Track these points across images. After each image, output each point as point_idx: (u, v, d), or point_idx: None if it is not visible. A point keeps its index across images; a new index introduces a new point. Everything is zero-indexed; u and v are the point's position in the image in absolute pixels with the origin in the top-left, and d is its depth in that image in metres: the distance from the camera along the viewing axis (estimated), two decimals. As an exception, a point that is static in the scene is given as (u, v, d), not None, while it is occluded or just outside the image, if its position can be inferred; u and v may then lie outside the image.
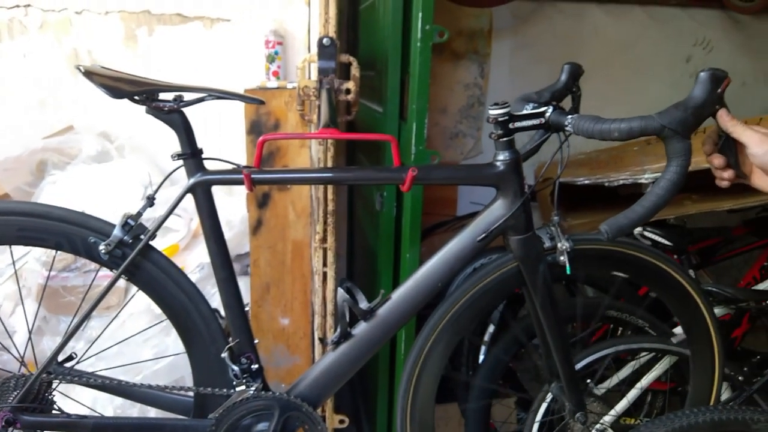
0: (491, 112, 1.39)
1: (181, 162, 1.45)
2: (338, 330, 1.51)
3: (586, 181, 2.59)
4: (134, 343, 2.07)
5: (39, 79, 2.97)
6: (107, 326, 1.82)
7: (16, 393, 1.48)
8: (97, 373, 1.63)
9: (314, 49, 2.46)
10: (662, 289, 1.69)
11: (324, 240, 1.98)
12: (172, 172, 1.49)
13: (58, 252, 1.54)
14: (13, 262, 1.81)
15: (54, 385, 1.58)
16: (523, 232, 1.49)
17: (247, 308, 1.76)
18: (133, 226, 1.46)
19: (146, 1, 2.94)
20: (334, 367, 1.55)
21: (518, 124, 1.42)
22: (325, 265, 2.00)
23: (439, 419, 1.71)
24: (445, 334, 1.59)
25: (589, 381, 2.03)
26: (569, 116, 1.34)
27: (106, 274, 2.31)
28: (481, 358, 2.54)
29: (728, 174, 1.28)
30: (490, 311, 2.52)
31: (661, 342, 2.14)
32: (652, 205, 1.22)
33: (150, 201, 1.48)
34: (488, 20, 3.42)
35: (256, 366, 1.55)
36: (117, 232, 1.44)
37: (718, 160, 1.28)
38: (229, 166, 1.48)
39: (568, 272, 1.47)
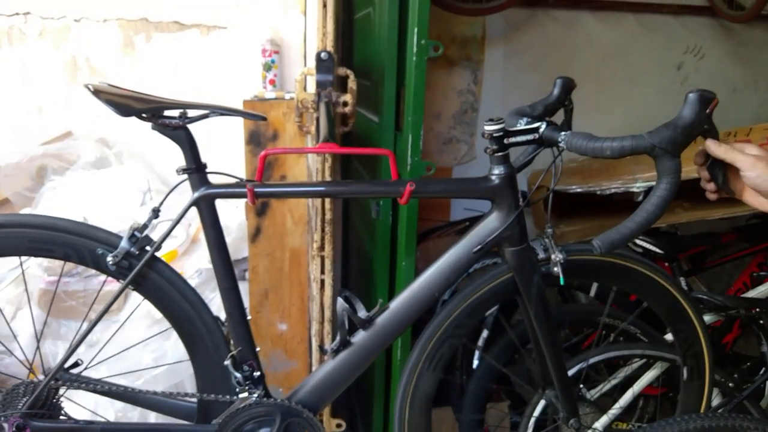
0: (486, 127, 1.43)
1: (185, 176, 1.48)
2: (338, 338, 1.55)
3: (579, 189, 2.63)
4: (134, 347, 2.10)
5: (38, 85, 3.00)
6: (114, 334, 1.85)
7: (25, 399, 1.52)
8: (101, 378, 1.66)
9: (310, 59, 2.49)
10: (653, 298, 1.73)
11: (322, 248, 2.01)
12: (176, 186, 1.52)
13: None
14: (22, 271, 1.83)
15: (62, 391, 1.62)
16: (517, 244, 1.53)
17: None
18: (139, 238, 1.50)
19: (144, 8, 2.97)
20: (333, 374, 1.59)
21: (513, 140, 1.45)
22: (322, 272, 2.03)
23: (432, 423, 1.75)
24: (442, 342, 1.63)
25: (581, 386, 2.07)
26: (563, 132, 1.37)
27: (108, 280, 2.37)
28: (475, 363, 2.58)
29: (711, 187, 1.33)
30: (485, 319, 2.57)
31: (653, 348, 2.18)
32: (643, 221, 1.27)
33: (155, 213, 1.51)
34: (481, 27, 3.45)
35: (258, 373, 1.59)
36: (124, 244, 1.48)
37: (704, 173, 1.33)
38: (232, 180, 1.51)
39: (561, 283, 1.51)
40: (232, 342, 1.61)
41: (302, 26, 2.80)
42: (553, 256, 1.52)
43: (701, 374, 1.82)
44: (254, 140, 2.14)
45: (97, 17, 2.96)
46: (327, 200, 1.95)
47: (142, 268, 1.49)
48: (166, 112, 1.43)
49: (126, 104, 1.38)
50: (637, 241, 2.54)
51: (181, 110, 1.43)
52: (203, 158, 1.51)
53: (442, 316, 1.62)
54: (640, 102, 3.75)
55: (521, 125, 1.47)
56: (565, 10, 3.52)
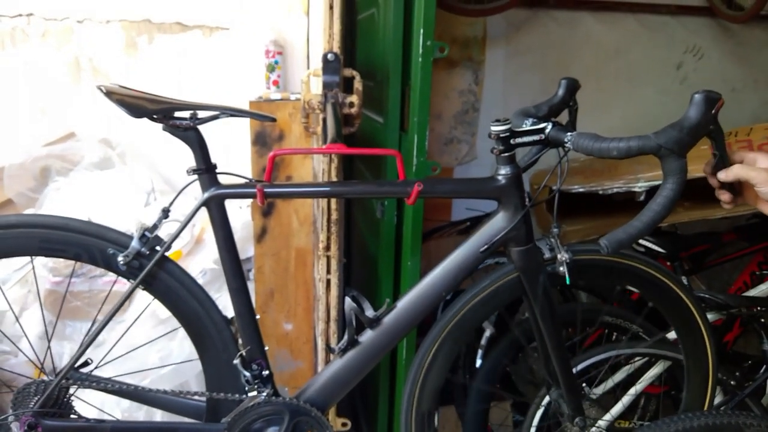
0: (493, 128, 1.44)
1: (195, 176, 1.49)
2: (346, 337, 1.56)
3: (581, 189, 2.64)
4: (138, 346, 2.12)
5: (41, 86, 3.01)
6: (123, 334, 1.87)
7: (36, 398, 1.53)
8: (109, 378, 1.67)
9: (313, 60, 2.50)
10: (657, 298, 1.74)
11: (328, 248, 2.02)
12: (186, 186, 1.53)
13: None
14: (33, 271, 1.85)
15: (72, 390, 1.63)
16: (523, 244, 1.54)
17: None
18: (149, 238, 1.51)
19: (147, 9, 2.98)
20: (341, 373, 1.60)
21: (519, 140, 1.46)
22: (328, 272, 2.04)
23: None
24: (448, 341, 1.64)
25: (584, 385, 2.08)
26: (569, 133, 1.38)
27: (111, 279, 2.38)
28: (478, 362, 2.59)
29: (727, 197, 1.35)
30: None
31: (656, 347, 2.19)
32: (649, 221, 1.28)
33: (165, 213, 1.52)
34: (482, 28, 3.46)
35: (267, 372, 1.60)
36: (135, 244, 1.49)
37: (713, 180, 1.35)
38: (241, 180, 1.53)
39: (567, 282, 1.52)
40: (240, 341, 1.62)
41: (305, 27, 2.81)
42: (558, 256, 1.53)
43: (705, 373, 1.83)
44: (260, 141, 2.15)
45: (99, 18, 2.97)
46: (333, 200, 1.96)
47: (152, 268, 1.50)
48: (177, 114, 1.44)
49: (138, 105, 1.39)
50: (640, 240, 2.55)
51: (192, 111, 1.44)
52: (216, 163, 1.52)
53: (449, 316, 1.64)
54: (639, 102, 3.77)
55: (527, 126, 1.48)
56: (565, 11, 3.54)
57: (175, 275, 1.55)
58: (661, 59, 3.76)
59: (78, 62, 3.01)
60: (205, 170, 1.48)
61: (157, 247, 1.52)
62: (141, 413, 2.26)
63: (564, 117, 1.66)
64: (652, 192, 2.51)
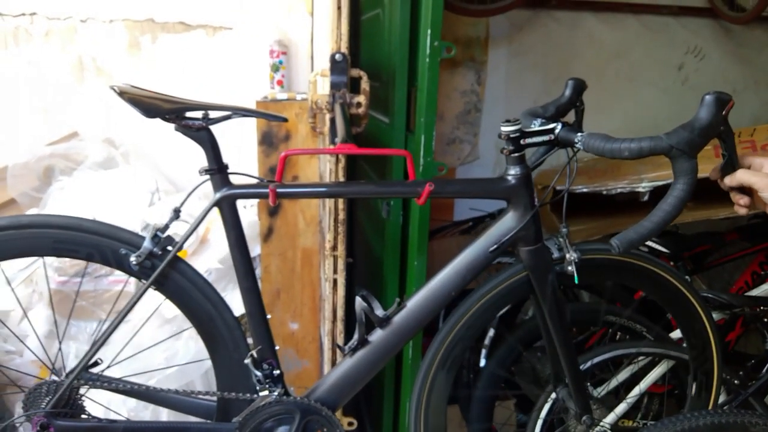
0: (503, 128, 1.45)
1: (207, 176, 1.50)
2: (356, 336, 1.56)
3: (585, 189, 2.65)
4: (146, 346, 2.12)
5: (44, 85, 3.01)
6: (134, 335, 1.87)
7: (48, 398, 1.53)
8: (118, 378, 1.68)
9: (318, 59, 2.51)
10: (663, 298, 1.75)
11: (335, 248, 2.03)
12: (198, 186, 1.54)
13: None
14: (45, 271, 1.86)
15: (83, 391, 1.63)
16: (532, 243, 1.55)
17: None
18: (161, 238, 1.51)
19: (150, 9, 2.99)
20: (351, 372, 1.61)
21: (529, 140, 1.47)
22: (335, 272, 2.05)
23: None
24: (458, 340, 1.64)
25: (588, 384, 2.09)
26: (579, 134, 1.39)
27: (117, 279, 2.39)
28: (482, 362, 2.59)
29: (744, 202, 1.36)
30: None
31: (659, 346, 2.20)
32: (660, 221, 1.29)
33: (176, 213, 1.52)
34: (485, 28, 3.47)
35: (278, 371, 1.61)
36: (147, 244, 1.49)
37: (723, 183, 1.36)
38: (252, 180, 1.53)
39: (576, 282, 1.53)
40: (251, 341, 1.63)
41: (309, 27, 2.81)
42: (567, 256, 1.54)
43: (710, 372, 1.84)
44: (267, 141, 2.16)
45: (103, 18, 2.97)
46: (340, 200, 1.96)
47: (164, 268, 1.50)
48: (189, 114, 1.45)
49: (152, 105, 1.39)
50: (644, 241, 2.55)
51: (204, 111, 1.45)
52: (228, 164, 1.53)
53: (457, 316, 1.64)
54: (641, 102, 3.78)
55: (536, 126, 1.49)
56: (567, 11, 3.55)
57: (187, 275, 1.56)
58: (663, 60, 3.78)
59: (81, 62, 3.02)
60: (217, 170, 1.48)
61: (169, 247, 1.52)
62: (147, 413, 2.26)
63: (569, 117, 1.67)
64: (655, 192, 2.53)
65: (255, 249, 2.44)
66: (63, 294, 2.36)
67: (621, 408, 2.21)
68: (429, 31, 1.73)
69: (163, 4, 2.99)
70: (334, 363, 2.07)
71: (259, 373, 1.58)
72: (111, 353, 1.76)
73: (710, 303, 2.25)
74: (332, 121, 1.90)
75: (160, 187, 2.80)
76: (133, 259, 1.49)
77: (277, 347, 1.63)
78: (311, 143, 2.16)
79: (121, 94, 1.37)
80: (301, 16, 2.94)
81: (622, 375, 2.28)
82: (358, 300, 1.53)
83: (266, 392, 1.59)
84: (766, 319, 2.41)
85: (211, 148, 1.48)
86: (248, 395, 1.59)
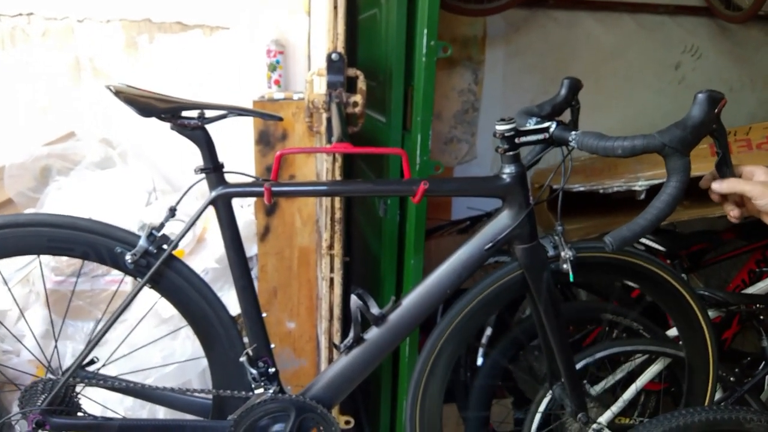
0: (498, 127, 1.45)
1: (202, 175, 1.50)
2: (351, 335, 1.57)
3: (581, 188, 2.66)
4: (142, 345, 2.12)
5: (41, 86, 3.01)
6: (129, 333, 1.87)
7: (44, 396, 1.53)
8: (113, 376, 1.68)
9: (315, 59, 2.51)
10: (660, 295, 1.75)
11: (331, 247, 2.03)
12: (193, 185, 1.54)
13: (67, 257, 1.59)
14: (41, 270, 1.86)
15: (79, 388, 1.64)
16: (528, 242, 1.55)
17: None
18: (157, 236, 1.52)
19: (147, 9, 2.98)
20: (347, 370, 1.61)
21: (524, 139, 1.47)
22: (332, 271, 2.05)
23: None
24: (453, 338, 1.65)
25: (584, 382, 2.10)
26: (573, 132, 1.40)
27: (113, 279, 2.39)
28: (479, 360, 2.60)
29: (736, 213, 1.37)
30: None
31: (656, 344, 2.21)
32: (654, 218, 1.29)
33: (172, 212, 1.53)
34: (482, 28, 3.48)
35: (273, 369, 1.61)
36: (142, 243, 1.49)
37: (714, 196, 1.37)
38: (247, 179, 1.54)
39: (571, 280, 1.54)
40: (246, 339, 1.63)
41: (306, 27, 2.81)
42: (562, 254, 1.54)
43: (705, 369, 1.84)
44: (264, 140, 2.16)
45: (100, 18, 2.97)
46: (337, 199, 1.97)
47: (159, 267, 1.51)
48: (185, 113, 1.45)
49: (147, 105, 1.40)
50: (640, 239, 2.56)
51: (200, 111, 1.45)
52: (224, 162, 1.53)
53: (452, 314, 1.64)
54: (638, 101, 3.79)
55: (531, 125, 1.49)
56: (564, 11, 3.56)
57: (182, 273, 1.56)
58: (659, 59, 3.78)
59: (78, 62, 3.01)
60: (213, 169, 1.49)
61: (165, 246, 1.53)
62: (144, 412, 2.26)
63: (565, 116, 1.67)
64: (652, 191, 2.53)
65: (252, 248, 2.44)
66: (59, 293, 2.36)
67: (618, 405, 2.21)
68: (425, 31, 1.73)
69: (160, 4, 2.99)
70: (331, 362, 2.07)
71: (254, 371, 1.58)
72: (108, 352, 1.77)
73: (706, 301, 2.25)
74: (329, 120, 1.91)
75: (157, 187, 2.79)
76: (128, 257, 1.49)
77: (273, 346, 1.63)
78: (308, 142, 2.16)
79: (117, 93, 1.38)
80: (298, 15, 2.94)
81: (619, 373, 2.29)
82: (354, 298, 1.53)
83: (261, 390, 1.59)
84: (762, 317, 2.42)
85: (207, 147, 1.48)
86: (243, 393, 1.60)
